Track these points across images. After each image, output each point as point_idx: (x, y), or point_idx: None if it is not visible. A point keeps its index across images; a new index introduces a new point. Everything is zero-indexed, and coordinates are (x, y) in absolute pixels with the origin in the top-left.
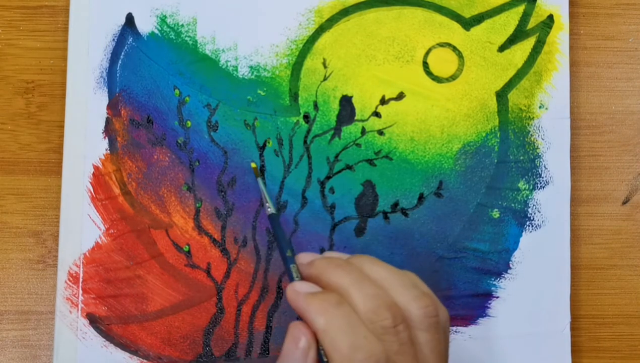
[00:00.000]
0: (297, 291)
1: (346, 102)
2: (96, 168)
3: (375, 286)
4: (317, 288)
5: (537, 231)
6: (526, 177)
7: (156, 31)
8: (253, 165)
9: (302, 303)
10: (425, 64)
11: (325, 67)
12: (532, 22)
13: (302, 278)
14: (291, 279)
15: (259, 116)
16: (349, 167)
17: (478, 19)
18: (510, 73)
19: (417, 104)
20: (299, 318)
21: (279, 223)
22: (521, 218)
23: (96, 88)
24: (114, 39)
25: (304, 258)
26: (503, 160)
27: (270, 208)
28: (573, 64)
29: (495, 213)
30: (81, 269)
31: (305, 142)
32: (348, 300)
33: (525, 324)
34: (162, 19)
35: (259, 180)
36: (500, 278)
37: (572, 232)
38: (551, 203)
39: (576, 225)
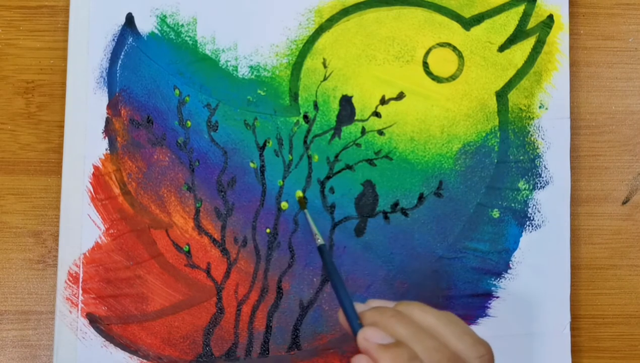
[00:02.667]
0: (369, 340)
1: (346, 102)
2: (96, 168)
3: (433, 337)
4: (388, 338)
5: (537, 231)
6: (526, 177)
7: (156, 31)
8: (299, 193)
9: (374, 355)
10: (425, 64)
11: (325, 67)
12: (532, 22)
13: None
14: (349, 317)
15: (259, 116)
16: (349, 167)
17: (478, 19)
18: (510, 73)
19: (417, 104)
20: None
21: (330, 256)
22: (521, 218)
23: (96, 88)
24: (114, 39)
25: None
26: (503, 160)
27: (319, 239)
28: (573, 64)
29: (495, 213)
30: (81, 269)
31: (305, 142)
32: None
33: (525, 324)
34: (162, 19)
35: (306, 212)
36: (500, 278)
37: (572, 232)
38: (551, 203)
39: (576, 225)
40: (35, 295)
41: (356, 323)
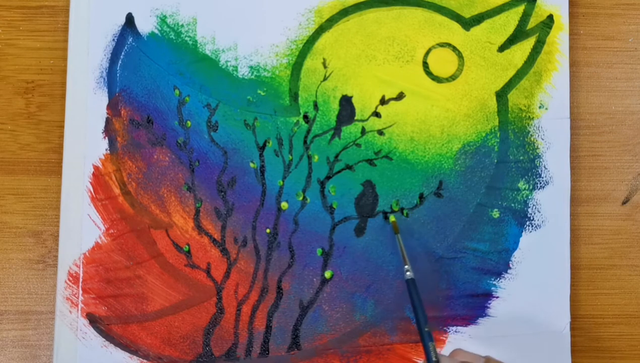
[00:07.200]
0: None
1: (346, 102)
2: (96, 168)
3: None
4: None
5: (537, 231)
6: (526, 177)
7: (156, 31)
8: (392, 218)
9: None
10: (425, 64)
11: (325, 67)
12: (532, 22)
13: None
14: (427, 356)
15: (259, 116)
16: (349, 167)
17: (478, 19)
18: (510, 73)
19: (417, 104)
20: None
21: (416, 290)
22: (521, 218)
23: (96, 88)
24: (114, 39)
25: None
26: (503, 160)
27: (410, 272)
28: (573, 64)
29: (495, 214)
30: (81, 269)
31: (305, 142)
32: None
33: (525, 324)
34: (162, 19)
35: (398, 237)
36: (500, 278)
37: (572, 232)
38: (551, 203)
39: (576, 225)
40: (35, 295)
41: None
